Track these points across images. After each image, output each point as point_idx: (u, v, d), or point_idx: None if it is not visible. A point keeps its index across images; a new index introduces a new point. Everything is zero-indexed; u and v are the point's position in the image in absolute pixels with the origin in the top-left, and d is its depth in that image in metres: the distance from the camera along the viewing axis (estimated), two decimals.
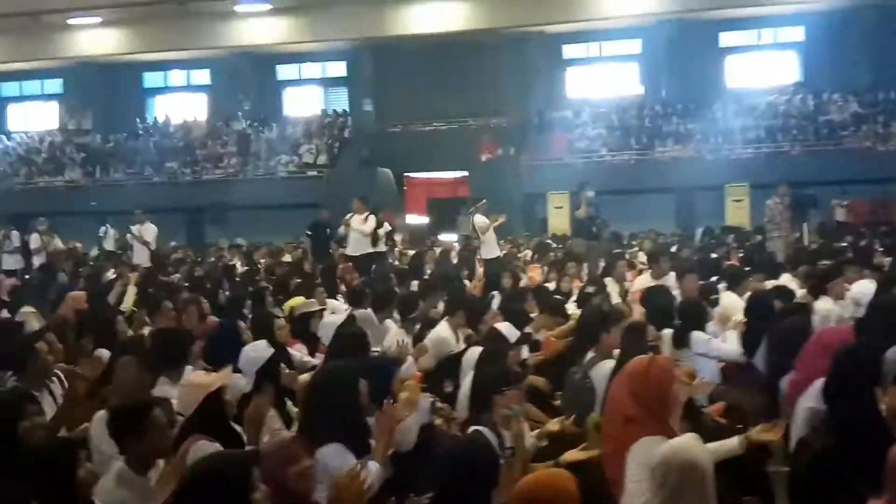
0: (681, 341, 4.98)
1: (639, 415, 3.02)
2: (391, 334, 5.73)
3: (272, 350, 4.34)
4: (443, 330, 5.88)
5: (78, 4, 19.49)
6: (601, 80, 23.25)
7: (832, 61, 20.66)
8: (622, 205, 18.38)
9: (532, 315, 6.24)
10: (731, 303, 5.92)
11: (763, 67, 22.31)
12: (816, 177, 16.76)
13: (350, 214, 10.96)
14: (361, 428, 3.42)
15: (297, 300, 6.32)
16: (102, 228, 15.39)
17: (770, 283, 6.54)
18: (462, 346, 5.91)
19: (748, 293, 6.08)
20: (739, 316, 5.27)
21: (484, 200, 11.42)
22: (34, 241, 12.85)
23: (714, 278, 7.04)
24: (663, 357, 3.31)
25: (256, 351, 4.24)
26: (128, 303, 7.14)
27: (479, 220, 10.89)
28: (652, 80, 22.40)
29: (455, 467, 2.68)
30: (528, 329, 5.67)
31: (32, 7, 19.29)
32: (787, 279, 6.90)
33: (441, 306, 6.48)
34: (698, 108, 20.93)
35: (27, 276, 11.23)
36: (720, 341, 5.09)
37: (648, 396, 3.05)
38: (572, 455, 3.59)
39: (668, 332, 5.20)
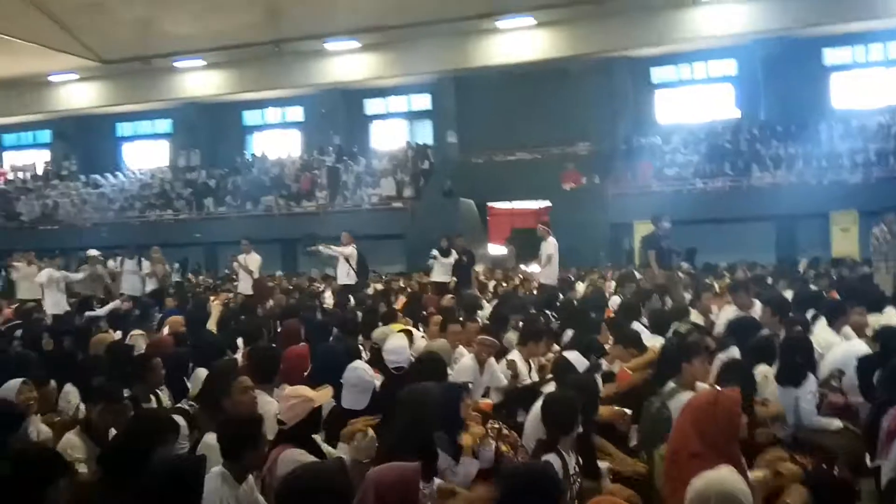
0: (789, 378, 4.60)
1: (704, 451, 2.87)
2: (465, 360, 5.68)
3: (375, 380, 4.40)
4: (514, 358, 5.79)
5: (184, 49, 20.92)
6: (693, 103, 22.62)
7: None
8: (717, 234, 17.73)
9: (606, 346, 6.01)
10: (825, 339, 5.48)
11: (872, 86, 20.97)
12: None
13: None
14: (430, 451, 3.47)
15: (391, 327, 6.33)
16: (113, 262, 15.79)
17: (872, 318, 6.05)
18: (534, 375, 5.81)
19: (846, 328, 5.66)
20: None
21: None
22: (146, 267, 13.59)
23: (811, 312, 6.56)
24: (731, 391, 3.11)
25: (365, 372, 4.28)
26: (211, 324, 7.41)
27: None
28: (749, 101, 21.53)
29: (514, 495, 2.61)
30: (602, 360, 5.50)
31: (143, 52, 20.90)
32: (891, 313, 6.36)
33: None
34: (800, 130, 19.89)
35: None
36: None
37: (715, 432, 2.90)
38: None
39: (763, 369, 4.86)
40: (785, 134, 20.06)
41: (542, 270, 11.43)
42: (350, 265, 12.29)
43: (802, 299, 7.22)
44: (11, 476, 2.72)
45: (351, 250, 12.34)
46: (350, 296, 11.03)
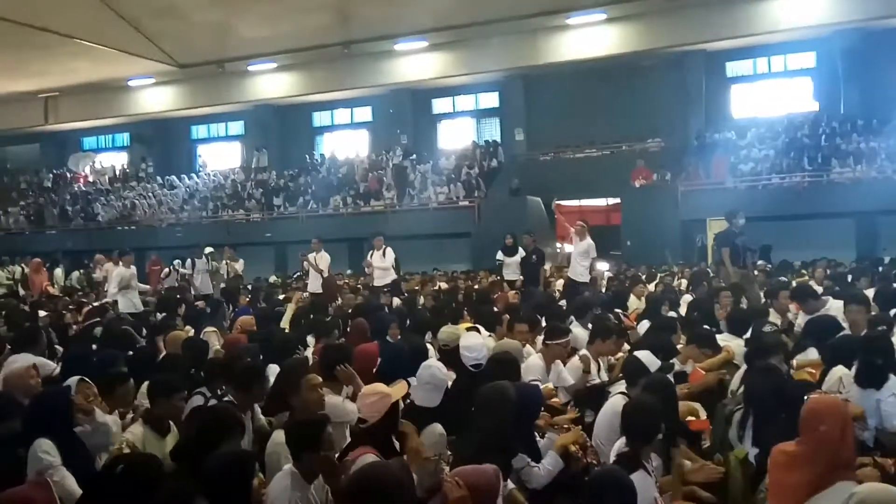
0: (870, 380, 4.41)
1: (819, 462, 2.79)
2: (532, 358, 5.66)
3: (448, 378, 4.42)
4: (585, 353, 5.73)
5: (256, 52, 21.51)
6: (769, 97, 21.82)
7: None
8: (794, 231, 17.12)
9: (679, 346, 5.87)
10: None
11: None
12: None
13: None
14: (510, 450, 3.49)
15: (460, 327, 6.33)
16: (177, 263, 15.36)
17: None
18: (603, 374, 5.73)
19: None
20: None
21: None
22: (222, 266, 13.96)
23: (893, 311, 6.25)
24: (835, 399, 3.00)
25: (439, 370, 4.31)
26: (285, 321, 7.57)
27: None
28: (828, 95, 20.65)
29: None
30: (674, 360, 5.37)
31: (218, 56, 21.61)
32: None
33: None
34: (882, 124, 18.95)
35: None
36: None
37: (830, 442, 2.80)
38: None
39: (840, 370, 4.67)
40: (866, 128, 19.15)
41: (573, 267, 11.13)
42: (389, 265, 12.23)
43: (886, 297, 6.89)
44: (118, 483, 2.79)
45: (378, 255, 12.25)
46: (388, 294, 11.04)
